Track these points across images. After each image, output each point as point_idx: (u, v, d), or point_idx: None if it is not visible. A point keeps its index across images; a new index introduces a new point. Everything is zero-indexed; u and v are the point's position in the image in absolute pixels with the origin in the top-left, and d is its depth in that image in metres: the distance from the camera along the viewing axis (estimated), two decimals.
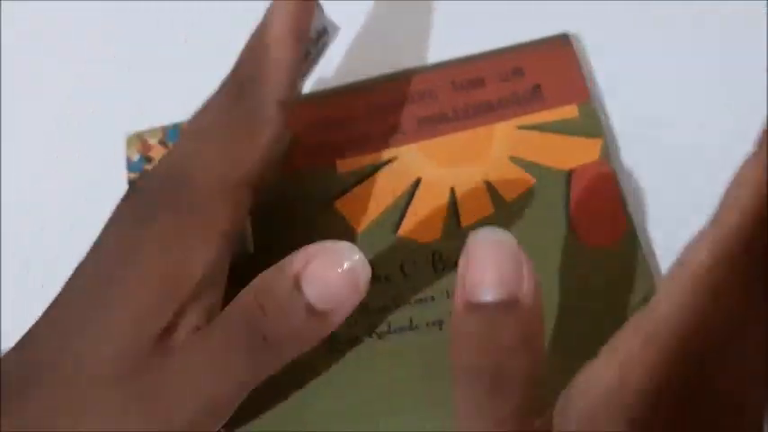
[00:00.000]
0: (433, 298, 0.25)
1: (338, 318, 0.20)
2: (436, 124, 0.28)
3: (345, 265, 0.20)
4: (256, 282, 0.20)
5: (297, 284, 0.20)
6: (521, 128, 0.27)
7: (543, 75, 0.28)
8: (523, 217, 0.26)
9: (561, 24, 0.29)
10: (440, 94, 0.28)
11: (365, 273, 0.20)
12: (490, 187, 0.27)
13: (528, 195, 0.26)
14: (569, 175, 0.27)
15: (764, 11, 0.29)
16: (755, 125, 0.27)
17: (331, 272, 0.20)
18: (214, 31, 0.31)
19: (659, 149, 0.27)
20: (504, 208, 0.26)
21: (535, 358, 0.17)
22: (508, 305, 0.16)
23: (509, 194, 0.26)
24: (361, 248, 0.22)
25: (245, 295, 0.20)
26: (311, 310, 0.20)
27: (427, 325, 0.25)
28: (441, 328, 0.25)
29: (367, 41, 0.30)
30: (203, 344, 0.19)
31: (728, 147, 0.27)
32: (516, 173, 0.27)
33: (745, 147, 0.26)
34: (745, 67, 0.28)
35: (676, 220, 0.26)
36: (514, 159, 0.27)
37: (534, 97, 0.28)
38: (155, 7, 0.31)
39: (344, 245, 0.20)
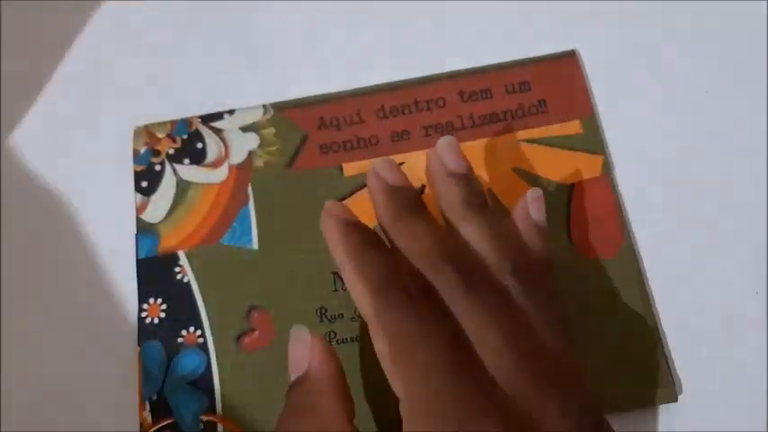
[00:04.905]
0: None
1: None
2: (443, 132, 0.28)
3: None
4: None
5: None
6: (525, 141, 0.28)
7: (549, 89, 0.29)
8: None
9: (564, 42, 0.30)
10: (448, 103, 0.29)
11: None
12: (493, 196, 0.27)
13: None
14: (571, 188, 0.27)
15: (762, 33, 0.29)
16: (753, 141, 0.28)
17: None
18: (220, 28, 0.31)
19: (657, 166, 0.28)
20: None
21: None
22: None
23: (511, 204, 0.27)
24: None
25: None
26: None
27: None
28: None
29: (381, 48, 0.30)
30: None
31: (727, 163, 0.28)
32: (519, 184, 0.27)
33: (743, 162, 0.27)
34: (742, 87, 0.29)
35: (672, 236, 0.27)
36: (518, 171, 0.28)
37: (540, 111, 0.28)
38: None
39: None
